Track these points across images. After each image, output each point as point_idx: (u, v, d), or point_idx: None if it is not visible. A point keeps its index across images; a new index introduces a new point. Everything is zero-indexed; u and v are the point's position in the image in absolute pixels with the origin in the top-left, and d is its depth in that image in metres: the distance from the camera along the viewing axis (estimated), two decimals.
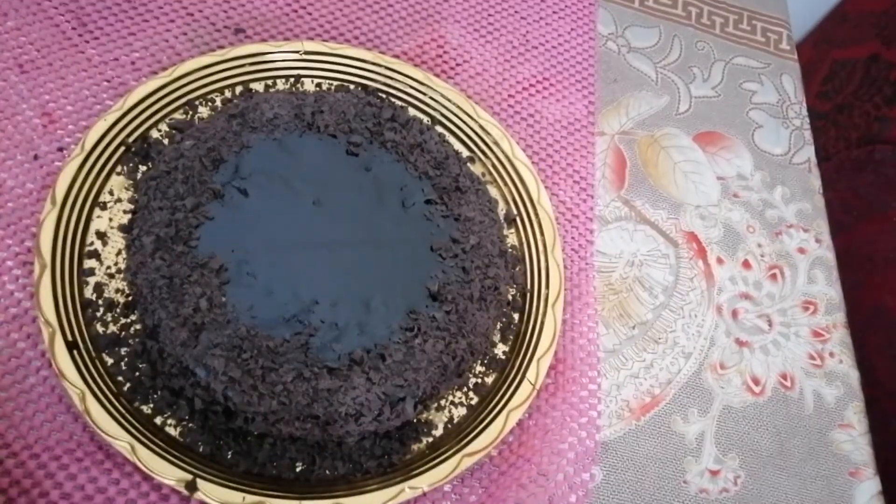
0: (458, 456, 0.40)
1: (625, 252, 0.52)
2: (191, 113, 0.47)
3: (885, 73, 0.87)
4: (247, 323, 0.40)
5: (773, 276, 0.54)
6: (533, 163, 0.53)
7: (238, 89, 0.48)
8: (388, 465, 0.40)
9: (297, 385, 0.39)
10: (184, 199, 0.42)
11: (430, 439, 0.42)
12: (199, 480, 0.37)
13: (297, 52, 0.50)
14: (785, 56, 0.65)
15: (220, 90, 0.48)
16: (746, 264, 0.54)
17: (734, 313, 0.52)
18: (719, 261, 0.54)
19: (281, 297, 0.41)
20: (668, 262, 0.52)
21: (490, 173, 0.50)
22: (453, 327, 0.42)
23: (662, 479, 0.45)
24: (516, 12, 0.59)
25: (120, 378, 0.39)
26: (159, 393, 0.39)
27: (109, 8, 0.50)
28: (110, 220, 0.43)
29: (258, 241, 0.42)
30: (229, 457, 0.39)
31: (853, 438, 0.50)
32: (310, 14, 0.54)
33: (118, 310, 0.40)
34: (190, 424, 0.39)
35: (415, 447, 0.41)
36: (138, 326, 0.40)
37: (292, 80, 0.50)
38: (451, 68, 0.55)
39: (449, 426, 0.42)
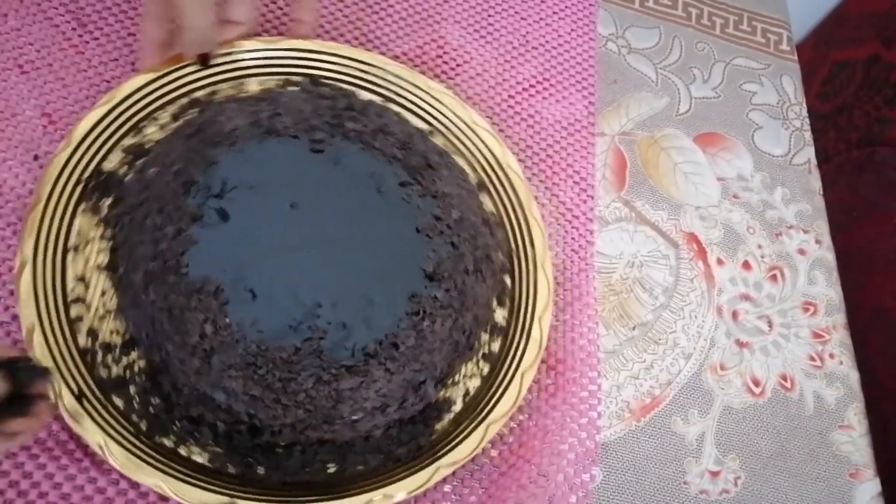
0: (483, 426, 0.41)
1: (625, 253, 0.52)
2: (139, 136, 0.44)
3: (885, 74, 0.87)
4: (255, 339, 0.39)
5: (774, 277, 0.54)
6: (533, 163, 0.53)
7: (182, 101, 0.46)
8: (416, 449, 0.41)
9: (318, 390, 0.39)
10: (163, 228, 0.40)
11: (451, 415, 0.42)
12: (238, 502, 0.37)
13: (234, 52, 0.47)
14: (785, 57, 0.65)
15: (163, 106, 0.45)
16: (746, 265, 0.54)
17: (734, 314, 0.52)
18: (719, 262, 0.54)
19: (283, 307, 0.40)
20: (669, 263, 0.52)
21: (452, 143, 0.50)
22: (456, 303, 0.43)
23: (662, 480, 0.45)
24: (516, 13, 0.59)
25: (135, 417, 0.38)
26: (178, 424, 0.38)
27: (109, 8, 0.50)
28: (87, 261, 0.41)
29: (247, 255, 0.41)
30: (262, 473, 0.39)
31: (853, 440, 0.49)
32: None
33: (117, 351, 0.39)
34: (216, 449, 0.39)
35: (438, 426, 0.42)
36: (142, 363, 0.39)
37: (234, 83, 0.48)
38: (451, 69, 0.55)
39: (467, 399, 0.43)
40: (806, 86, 0.65)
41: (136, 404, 0.38)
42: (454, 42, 0.56)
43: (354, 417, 0.39)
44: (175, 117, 0.45)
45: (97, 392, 0.38)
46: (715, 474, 0.46)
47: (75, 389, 0.37)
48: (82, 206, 0.42)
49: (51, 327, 0.38)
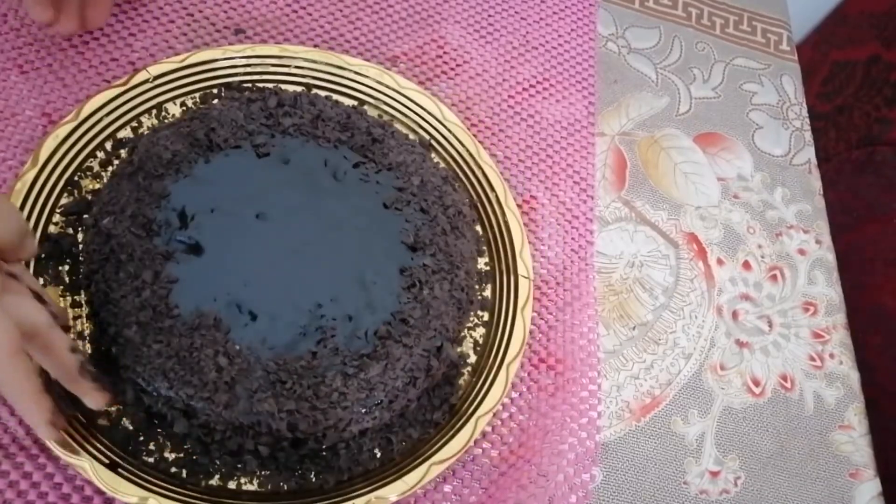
0: (503, 370, 0.43)
1: (625, 253, 0.52)
2: (75, 192, 0.43)
3: (885, 74, 0.87)
4: (270, 356, 0.39)
5: (774, 278, 0.54)
6: (533, 163, 0.53)
7: (108, 145, 0.44)
8: (449, 409, 0.42)
9: (348, 384, 0.39)
10: (139, 276, 0.39)
11: (469, 368, 0.44)
12: None
13: (146, 81, 0.46)
14: (785, 57, 0.65)
15: (91, 155, 0.44)
16: (747, 265, 0.54)
17: (734, 314, 0.52)
18: (719, 262, 0.54)
19: (286, 317, 0.40)
20: (669, 263, 0.52)
21: (387, 112, 0.50)
22: (446, 265, 0.43)
23: (663, 480, 0.45)
24: (516, 13, 0.59)
25: (175, 469, 0.38)
26: (219, 461, 0.38)
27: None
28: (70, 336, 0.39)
29: (232, 278, 0.41)
30: (316, 479, 0.39)
31: (853, 440, 0.49)
32: (310, 15, 0.54)
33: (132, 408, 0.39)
34: (264, 472, 0.39)
35: (460, 382, 0.43)
36: (163, 411, 0.39)
37: (154, 110, 0.46)
38: (451, 69, 0.55)
39: (478, 349, 0.45)
40: (806, 86, 0.65)
41: (169, 458, 0.38)
42: (454, 42, 0.56)
43: (389, 399, 0.40)
44: (106, 163, 0.44)
45: (126, 457, 0.38)
46: (715, 474, 0.46)
47: (107, 461, 0.37)
48: (41, 280, 0.40)
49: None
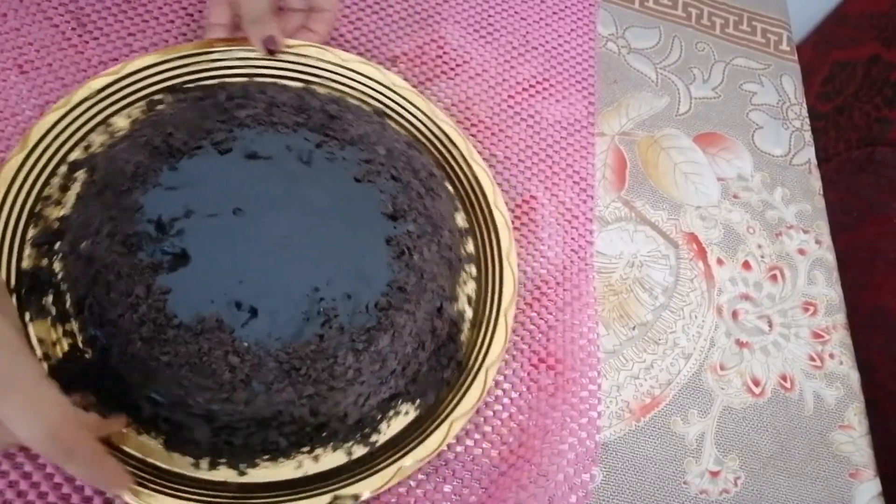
0: (502, 319, 0.44)
1: (625, 253, 0.52)
2: (40, 222, 0.42)
3: (885, 74, 0.87)
4: (279, 347, 0.39)
5: (774, 278, 0.54)
6: (533, 163, 0.53)
7: (62, 170, 0.43)
8: (456, 366, 0.43)
9: (361, 360, 0.39)
10: (132, 293, 0.38)
11: (467, 324, 0.44)
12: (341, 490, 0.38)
13: (89, 97, 0.44)
14: (785, 57, 0.65)
15: (47, 182, 0.42)
16: (746, 265, 0.54)
17: (734, 314, 0.52)
18: (719, 262, 0.54)
19: (285, 306, 0.40)
20: (669, 263, 0.52)
21: (336, 89, 0.50)
22: (429, 228, 0.44)
23: (663, 480, 0.45)
24: (516, 13, 0.59)
25: (202, 475, 0.38)
26: (246, 457, 0.39)
27: (109, 8, 0.50)
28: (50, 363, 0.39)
29: (225, 277, 0.40)
30: (359, 454, 0.40)
31: (853, 440, 0.49)
32: None
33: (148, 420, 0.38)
34: (293, 460, 0.39)
35: (462, 339, 0.44)
36: (182, 420, 0.39)
37: (102, 126, 0.45)
38: (451, 69, 0.55)
39: (472, 303, 0.45)
40: (806, 86, 0.65)
41: (205, 462, 0.38)
42: (454, 42, 0.56)
43: (402, 366, 0.41)
44: (64, 188, 0.43)
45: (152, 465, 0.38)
46: (715, 474, 0.46)
47: (134, 483, 0.36)
48: (27, 316, 0.39)
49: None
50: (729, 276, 0.53)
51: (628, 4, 0.63)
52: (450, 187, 0.48)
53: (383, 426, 0.41)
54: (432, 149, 0.49)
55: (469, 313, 0.45)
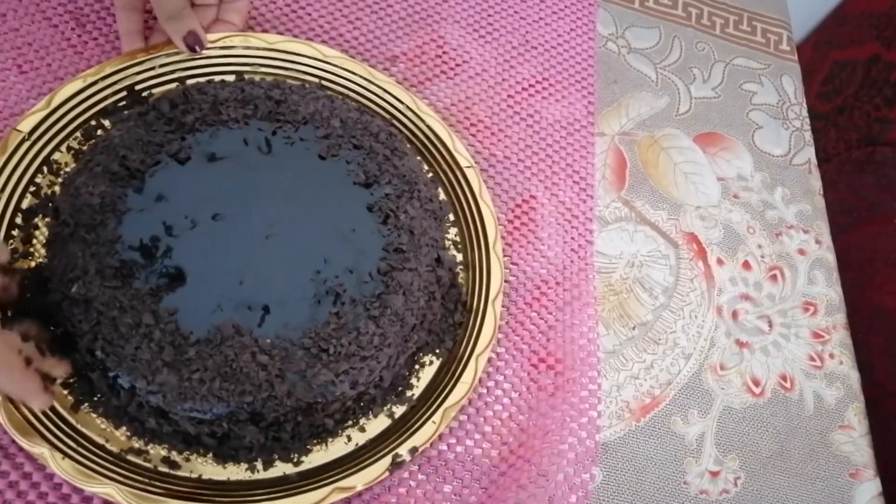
0: (492, 255, 0.46)
1: (625, 253, 0.52)
2: (16, 276, 0.40)
3: (885, 74, 0.87)
4: (301, 334, 0.40)
5: (774, 278, 0.54)
6: (533, 163, 0.53)
7: (16, 220, 0.42)
8: (463, 307, 0.45)
9: (381, 324, 0.41)
10: (140, 322, 0.38)
11: (460, 268, 0.47)
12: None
13: (22, 140, 0.42)
14: (785, 57, 0.65)
15: (8, 235, 0.41)
16: (747, 265, 0.54)
17: (734, 314, 0.52)
18: (719, 262, 0.54)
19: (294, 297, 0.41)
20: (669, 263, 0.52)
21: (272, 74, 0.49)
22: (405, 186, 0.45)
23: (662, 480, 0.45)
24: (516, 13, 0.59)
25: (257, 476, 0.39)
26: (296, 448, 0.40)
27: (108, 8, 0.50)
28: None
29: (226, 285, 0.40)
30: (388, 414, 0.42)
31: (853, 440, 0.49)
32: (309, 15, 0.54)
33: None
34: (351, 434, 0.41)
35: (460, 281, 0.46)
36: (228, 430, 0.39)
37: (44, 166, 0.43)
38: (451, 69, 0.55)
39: (457, 248, 0.47)
40: (806, 86, 0.65)
41: (218, 453, 0.39)
42: (454, 42, 0.56)
43: (419, 319, 0.42)
44: (28, 238, 0.41)
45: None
46: (715, 474, 0.46)
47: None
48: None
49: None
50: (729, 276, 0.53)
51: (628, 4, 0.63)
52: (409, 145, 0.49)
53: (413, 380, 0.43)
54: (380, 110, 0.50)
55: (459, 257, 0.47)
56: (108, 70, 0.45)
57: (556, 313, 0.48)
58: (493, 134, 0.53)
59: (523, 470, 0.42)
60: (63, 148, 0.44)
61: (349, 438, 0.41)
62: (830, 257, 0.56)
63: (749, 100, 0.62)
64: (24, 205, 0.42)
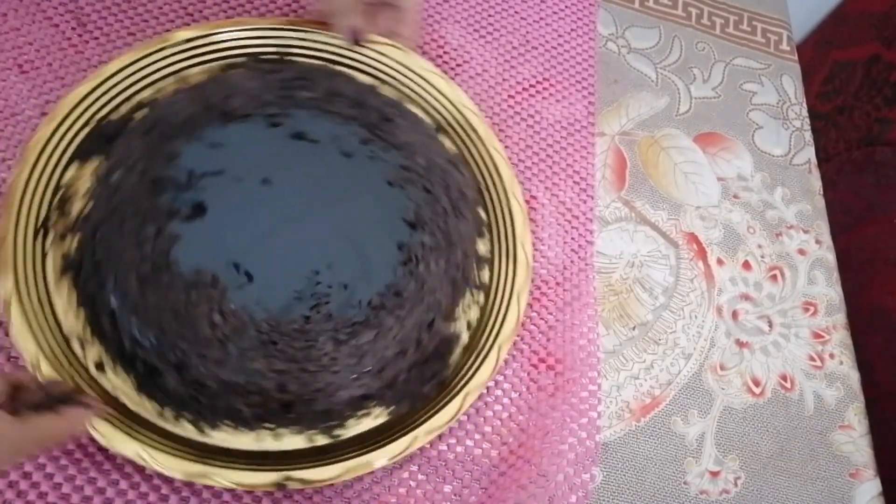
0: (495, 349, 0.43)
1: (625, 253, 0.52)
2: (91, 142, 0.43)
3: (885, 74, 0.87)
4: (264, 317, 0.40)
5: (774, 278, 0.54)
6: (533, 163, 0.53)
7: (127, 106, 0.45)
8: (439, 384, 0.42)
9: (339, 350, 0.40)
10: (142, 230, 0.40)
11: (461, 348, 0.44)
12: (293, 472, 0.38)
13: (169, 46, 0.46)
14: (785, 57, 0.65)
15: (114, 110, 0.44)
16: (747, 265, 0.54)
17: (734, 314, 0.52)
18: (719, 262, 0.54)
19: (282, 281, 0.41)
20: (669, 263, 0.52)
21: (403, 93, 0.50)
22: (443, 244, 0.44)
23: (663, 480, 0.45)
24: (516, 12, 0.59)
25: (168, 426, 0.38)
26: (208, 418, 0.39)
27: (109, 8, 0.50)
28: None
29: (233, 240, 0.42)
30: (306, 441, 0.40)
31: (853, 440, 0.49)
32: (309, 14, 0.54)
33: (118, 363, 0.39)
34: (253, 432, 0.39)
35: (452, 359, 0.43)
36: (156, 365, 0.39)
37: (176, 76, 0.47)
38: (451, 69, 0.55)
39: (471, 329, 0.45)
40: (806, 86, 0.65)
41: (170, 415, 0.39)
42: (454, 41, 0.56)
43: (379, 368, 0.41)
44: (125, 120, 0.44)
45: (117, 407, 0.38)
46: (715, 474, 0.46)
47: (104, 415, 0.36)
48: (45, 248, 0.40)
49: (55, 358, 0.37)
50: (729, 276, 0.53)
51: (628, 4, 0.63)
52: (483, 214, 0.48)
53: (351, 422, 0.41)
54: (477, 172, 0.48)
55: (465, 338, 0.44)
56: (273, 25, 0.48)
57: (557, 313, 0.48)
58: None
59: (523, 470, 0.42)
60: (203, 69, 0.47)
61: (261, 438, 0.39)
62: (830, 257, 0.56)
63: (749, 100, 0.62)
64: (140, 97, 0.45)
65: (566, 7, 0.61)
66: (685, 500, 0.45)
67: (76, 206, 0.42)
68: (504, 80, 0.56)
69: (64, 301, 0.39)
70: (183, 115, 0.44)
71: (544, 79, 0.57)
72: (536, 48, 0.58)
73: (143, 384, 0.39)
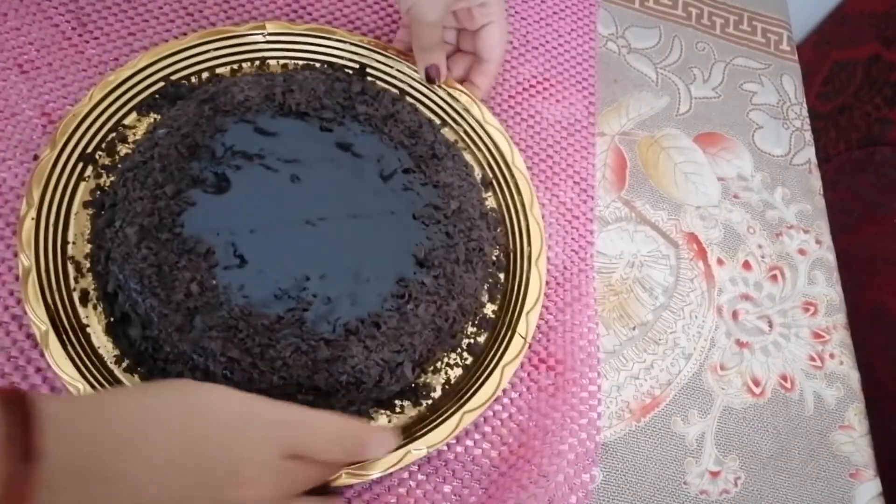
0: (459, 414, 0.41)
1: (625, 253, 0.52)
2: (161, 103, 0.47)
3: (885, 74, 0.87)
4: (240, 303, 0.40)
5: (774, 278, 0.54)
6: (533, 163, 0.53)
7: (204, 75, 0.48)
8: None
9: (295, 359, 0.39)
10: (163, 186, 0.42)
11: (430, 401, 0.43)
12: None
13: (260, 33, 0.50)
14: (785, 57, 0.65)
15: (187, 77, 0.48)
16: (747, 265, 0.54)
17: (734, 314, 0.52)
18: (720, 262, 0.54)
19: (271, 275, 0.41)
20: (669, 263, 0.52)
21: (462, 139, 0.51)
22: (443, 290, 0.43)
23: (663, 480, 0.45)
24: (516, 12, 0.59)
25: (124, 379, 0.39)
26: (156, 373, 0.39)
27: (109, 8, 0.50)
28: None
29: (242, 222, 0.42)
30: None
31: (853, 440, 0.49)
32: (310, 14, 0.54)
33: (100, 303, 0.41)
34: None
35: (415, 411, 0.42)
36: (128, 313, 0.40)
37: (258, 62, 0.50)
38: None
39: (447, 387, 0.43)
40: (806, 86, 0.65)
41: (120, 360, 0.40)
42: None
43: (328, 390, 0.40)
44: (192, 89, 0.47)
45: (84, 343, 0.39)
46: (715, 474, 0.46)
47: (63, 333, 0.38)
48: (87, 173, 0.43)
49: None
50: (729, 276, 0.53)
51: (628, 4, 0.63)
52: (501, 276, 0.47)
53: None
54: (510, 236, 0.48)
55: (438, 392, 0.43)
56: (360, 42, 0.51)
57: (557, 314, 0.48)
58: None
59: (523, 470, 0.42)
60: (275, 60, 0.50)
61: None
62: (830, 257, 0.56)
63: (749, 100, 0.62)
64: (220, 71, 0.49)
65: (566, 7, 0.61)
66: (685, 500, 0.45)
67: (123, 150, 0.45)
68: (504, 80, 0.56)
69: (77, 229, 0.42)
70: (242, 95, 0.46)
71: (544, 79, 0.57)
72: (536, 48, 0.58)
73: (112, 327, 0.40)
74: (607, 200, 0.54)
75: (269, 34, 0.50)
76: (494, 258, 0.47)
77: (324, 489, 0.37)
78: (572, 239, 0.51)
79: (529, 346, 0.46)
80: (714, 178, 0.57)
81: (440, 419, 0.41)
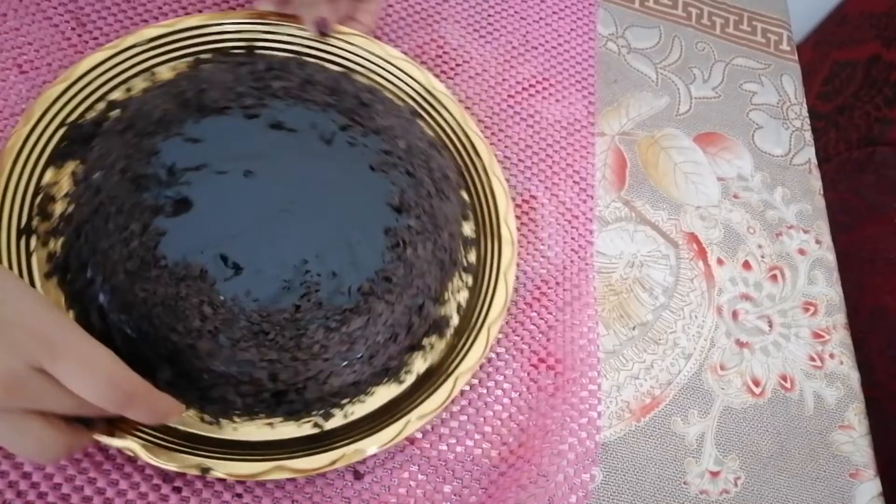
0: (484, 331, 0.43)
1: (625, 253, 0.52)
2: (66, 146, 0.43)
3: (885, 74, 0.87)
4: (254, 308, 0.40)
5: (774, 277, 0.54)
6: (533, 163, 0.53)
7: (100, 106, 0.44)
8: (431, 369, 0.42)
9: (330, 337, 0.40)
10: (128, 227, 0.40)
11: (451, 330, 0.44)
12: (290, 461, 0.37)
13: (139, 44, 0.46)
14: (785, 57, 0.65)
15: (83, 114, 0.43)
16: (747, 265, 0.54)
17: (734, 314, 0.52)
18: (719, 262, 0.54)
19: (271, 271, 0.42)
20: (669, 263, 0.52)
21: (374, 81, 0.50)
22: (430, 226, 0.44)
23: (663, 480, 0.45)
24: (516, 12, 0.59)
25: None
26: (203, 409, 0.39)
27: (109, 8, 0.50)
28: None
29: (220, 233, 0.42)
30: (299, 428, 0.40)
31: (853, 440, 0.49)
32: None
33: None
34: (246, 421, 0.39)
35: (443, 343, 0.44)
36: (149, 357, 0.39)
37: (146, 73, 0.46)
38: (451, 69, 0.55)
39: (461, 311, 0.45)
40: (806, 86, 0.65)
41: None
42: (454, 42, 0.56)
43: (370, 354, 0.41)
44: (99, 123, 0.44)
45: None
46: (715, 474, 0.46)
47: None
48: (31, 249, 0.40)
49: None
50: (729, 276, 0.53)
51: (628, 4, 0.63)
52: (465, 196, 0.48)
53: (343, 410, 0.40)
54: (457, 155, 0.49)
55: (455, 320, 0.44)
56: (238, 18, 0.48)
57: (557, 313, 0.48)
58: (493, 134, 0.53)
59: (523, 470, 0.42)
60: (170, 66, 0.46)
61: (247, 429, 0.39)
62: (830, 257, 0.56)
63: (749, 100, 0.62)
64: (112, 97, 0.44)
65: (566, 7, 0.61)
66: (685, 500, 0.45)
67: (58, 208, 0.41)
68: (504, 80, 0.56)
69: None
70: (158, 111, 0.44)
71: (544, 79, 0.57)
72: (536, 48, 0.58)
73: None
74: (607, 200, 0.54)
75: (151, 40, 0.46)
76: (457, 179, 0.48)
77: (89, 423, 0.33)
78: (572, 239, 0.51)
79: (529, 346, 0.46)
80: (714, 178, 0.57)
81: (469, 343, 0.43)
